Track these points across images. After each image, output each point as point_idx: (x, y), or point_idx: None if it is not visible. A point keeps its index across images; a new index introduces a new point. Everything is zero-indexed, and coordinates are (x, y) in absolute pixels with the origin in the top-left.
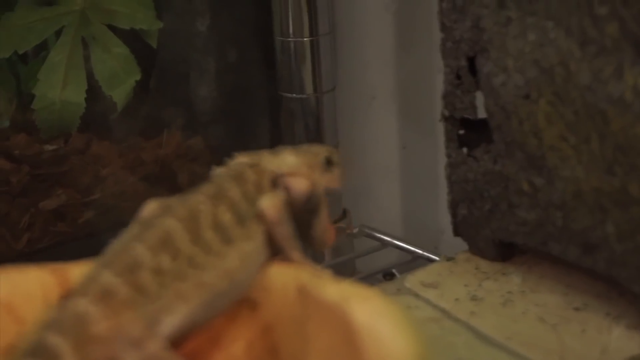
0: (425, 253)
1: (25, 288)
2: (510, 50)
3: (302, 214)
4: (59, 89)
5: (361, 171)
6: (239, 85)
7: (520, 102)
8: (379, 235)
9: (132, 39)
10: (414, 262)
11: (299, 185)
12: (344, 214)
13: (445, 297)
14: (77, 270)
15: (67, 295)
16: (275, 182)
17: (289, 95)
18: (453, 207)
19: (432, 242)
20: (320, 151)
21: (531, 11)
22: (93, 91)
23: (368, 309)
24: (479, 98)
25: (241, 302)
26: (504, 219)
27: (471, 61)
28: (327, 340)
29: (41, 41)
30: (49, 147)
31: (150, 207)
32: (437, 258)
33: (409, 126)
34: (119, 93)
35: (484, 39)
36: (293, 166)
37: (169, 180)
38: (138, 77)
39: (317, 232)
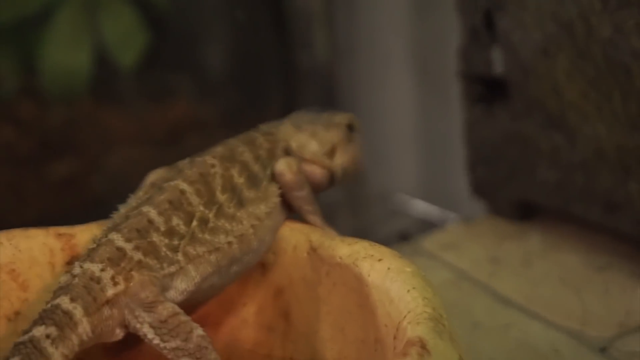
0: (444, 214)
1: (30, 253)
2: (528, 4)
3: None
4: (64, 52)
5: (379, 135)
6: (250, 49)
7: (538, 58)
8: (398, 197)
9: (143, 2)
10: (434, 224)
11: (315, 175)
12: (363, 176)
13: (463, 258)
14: (84, 235)
15: (76, 260)
16: (288, 151)
17: (302, 56)
18: (471, 167)
19: (454, 204)
20: (341, 121)
21: None
22: (102, 56)
23: (380, 269)
24: (496, 55)
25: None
26: (524, 179)
27: (488, 16)
28: (339, 301)
29: (45, 5)
30: (56, 113)
31: (158, 172)
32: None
33: (425, 88)
34: (127, 56)
35: None
36: (314, 153)
37: (178, 146)
38: (146, 40)
39: (349, 170)
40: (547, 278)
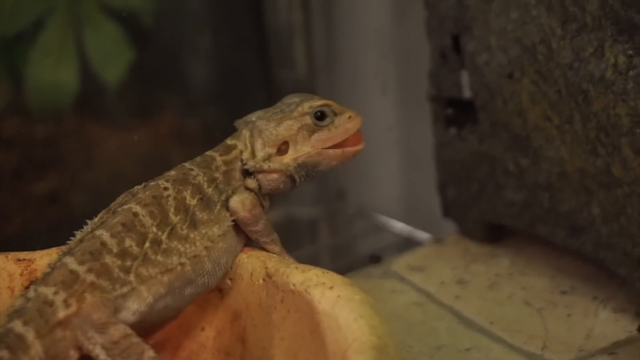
0: (420, 234)
1: None
2: (493, 28)
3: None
4: (50, 70)
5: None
6: (232, 65)
7: (504, 81)
8: (375, 216)
9: (127, 19)
10: (411, 243)
11: (271, 181)
12: (341, 194)
13: (430, 280)
14: (43, 260)
15: (32, 284)
16: (245, 168)
17: (282, 72)
18: (441, 188)
19: (429, 224)
20: (304, 109)
21: None
22: (87, 72)
23: (331, 297)
24: (465, 78)
25: (212, 290)
26: (492, 200)
27: (456, 40)
28: (292, 328)
29: (32, 22)
30: (40, 129)
31: (119, 197)
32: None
33: (403, 105)
34: (112, 73)
35: (468, 17)
36: (257, 161)
37: (163, 162)
38: (131, 56)
39: (314, 161)
40: (511, 301)
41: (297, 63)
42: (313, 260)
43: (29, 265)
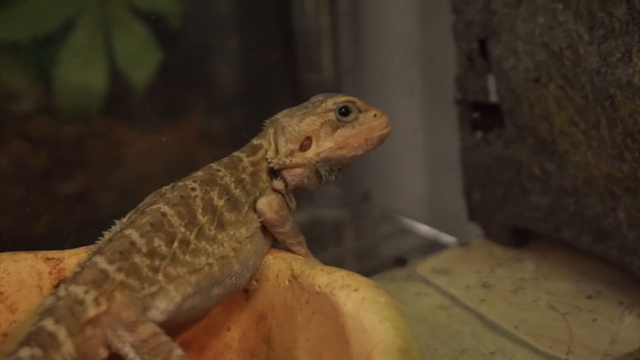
0: (446, 238)
1: (18, 276)
2: (520, 33)
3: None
4: (79, 71)
5: (383, 155)
6: (260, 67)
7: (530, 86)
8: (401, 219)
9: (155, 21)
10: (436, 246)
11: (295, 177)
12: (367, 197)
13: (455, 283)
14: (72, 259)
15: (62, 282)
16: (271, 168)
17: (309, 75)
18: (467, 191)
19: (455, 228)
20: (327, 106)
21: None
22: (116, 73)
23: (356, 299)
24: (492, 82)
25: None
26: (517, 205)
27: (482, 44)
28: (317, 329)
29: (61, 24)
30: (69, 130)
31: (147, 197)
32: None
33: (430, 108)
34: (140, 74)
35: (495, 21)
36: (280, 157)
37: (190, 163)
38: (158, 58)
39: (337, 156)
40: (536, 305)
41: (323, 66)
42: (338, 262)
43: (58, 264)
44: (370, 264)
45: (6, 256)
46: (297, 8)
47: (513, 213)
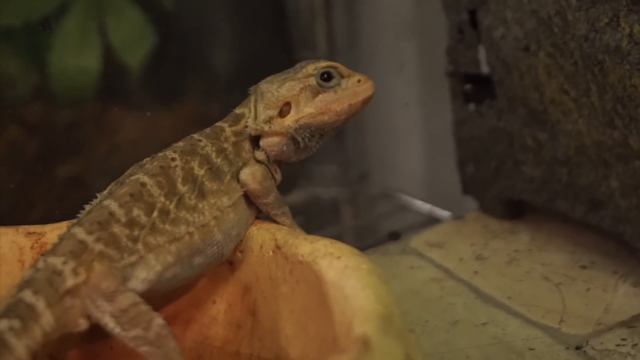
0: (440, 212)
1: None
2: (509, 1)
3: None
4: (73, 55)
5: (380, 132)
6: (254, 48)
7: (520, 55)
8: (398, 196)
9: (148, 3)
10: (433, 222)
11: (273, 146)
12: (364, 175)
13: (449, 256)
14: (54, 233)
15: (42, 256)
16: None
17: (303, 53)
18: (461, 165)
19: (451, 202)
20: (308, 71)
21: None
22: (110, 57)
23: (338, 267)
24: (483, 54)
25: (222, 263)
26: (511, 177)
27: (472, 15)
28: (302, 299)
29: (54, 8)
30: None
31: (129, 170)
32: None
33: (425, 84)
34: (134, 58)
35: None
36: (264, 119)
37: None
38: (152, 41)
39: (318, 122)
40: (530, 276)
41: (318, 43)
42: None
43: (40, 239)
44: (368, 241)
45: None
46: None
47: (507, 185)
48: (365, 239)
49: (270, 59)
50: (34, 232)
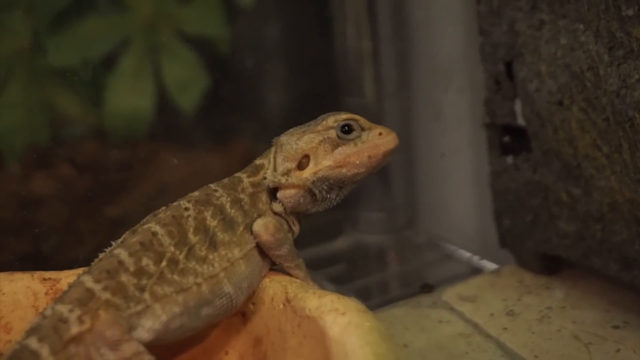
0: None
1: (14, 296)
2: (543, 54)
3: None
4: (127, 96)
5: (432, 177)
6: (304, 92)
7: (554, 108)
8: (444, 244)
9: (203, 46)
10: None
11: (290, 199)
12: (410, 223)
13: (480, 311)
14: (69, 279)
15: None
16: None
17: (350, 99)
18: (497, 217)
19: (494, 255)
20: (329, 124)
21: (563, 13)
22: (163, 98)
23: (342, 323)
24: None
25: (235, 314)
26: (546, 231)
27: (509, 66)
28: (308, 354)
29: (110, 49)
30: (114, 154)
31: (145, 219)
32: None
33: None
34: (187, 99)
35: (519, 43)
36: (282, 172)
37: None
38: (205, 83)
39: (336, 175)
40: (560, 335)
41: (365, 90)
42: (381, 288)
43: (55, 285)
44: (405, 292)
45: (2, 276)
46: (338, 32)
47: (542, 239)
48: (404, 288)
49: (318, 103)
50: (50, 278)
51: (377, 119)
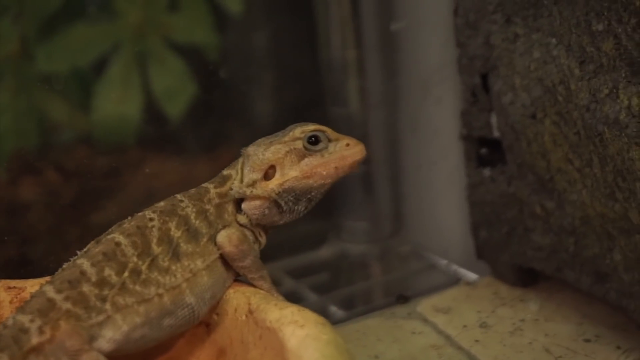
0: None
1: None
2: (518, 67)
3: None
4: (115, 103)
5: (420, 190)
6: (297, 100)
7: (527, 121)
8: (427, 254)
9: (193, 54)
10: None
11: (256, 210)
12: (395, 233)
13: (453, 323)
14: (34, 288)
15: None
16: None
17: (335, 108)
18: (474, 229)
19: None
20: (295, 134)
21: (536, 27)
22: (151, 106)
23: (299, 336)
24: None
25: (199, 324)
26: (521, 243)
27: (485, 79)
28: None
29: (98, 56)
30: (102, 161)
31: (110, 229)
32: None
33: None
34: (175, 107)
35: (494, 56)
36: (247, 183)
37: None
38: (193, 91)
39: (302, 185)
40: (531, 348)
41: (350, 100)
42: (364, 297)
43: (19, 294)
44: (382, 302)
45: None
46: (323, 42)
47: (517, 252)
48: (386, 298)
49: (304, 113)
50: (14, 287)
51: (362, 128)
